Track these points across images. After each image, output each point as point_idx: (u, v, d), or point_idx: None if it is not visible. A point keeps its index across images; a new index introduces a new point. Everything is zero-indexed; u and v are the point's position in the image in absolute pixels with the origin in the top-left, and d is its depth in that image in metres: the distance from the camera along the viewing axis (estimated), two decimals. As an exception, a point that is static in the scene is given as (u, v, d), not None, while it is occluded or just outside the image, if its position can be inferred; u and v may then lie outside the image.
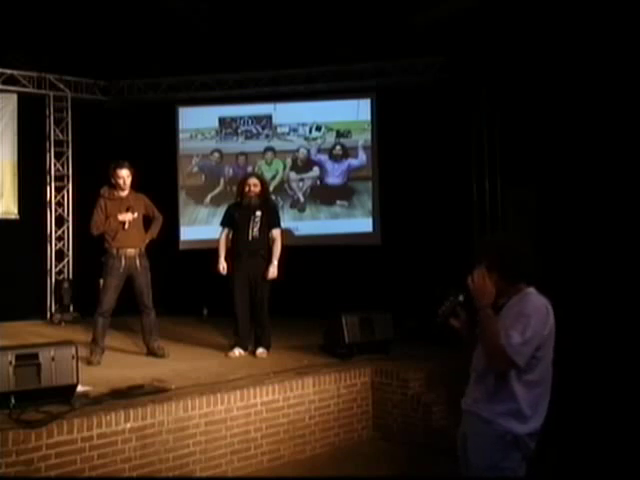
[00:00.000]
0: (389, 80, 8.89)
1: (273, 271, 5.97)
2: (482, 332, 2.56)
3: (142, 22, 7.83)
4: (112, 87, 9.49)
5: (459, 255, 2.75)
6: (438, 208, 8.15)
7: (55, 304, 8.92)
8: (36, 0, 7.35)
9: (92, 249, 6.41)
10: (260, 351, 6.00)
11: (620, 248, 6.40)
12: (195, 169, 9.53)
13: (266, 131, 9.40)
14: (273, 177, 9.25)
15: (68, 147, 9.21)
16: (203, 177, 9.51)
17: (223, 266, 6.03)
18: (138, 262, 5.89)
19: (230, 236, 6.13)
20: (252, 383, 4.74)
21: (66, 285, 8.85)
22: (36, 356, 4.04)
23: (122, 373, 5.12)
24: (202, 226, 9.23)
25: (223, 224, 6.21)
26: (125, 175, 5.87)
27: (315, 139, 9.30)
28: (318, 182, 9.29)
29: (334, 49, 8.37)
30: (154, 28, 7.96)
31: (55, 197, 9.14)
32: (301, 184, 9.30)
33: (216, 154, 9.46)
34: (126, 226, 5.85)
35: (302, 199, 9.30)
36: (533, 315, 2.52)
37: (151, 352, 5.99)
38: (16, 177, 8.78)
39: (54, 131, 9.13)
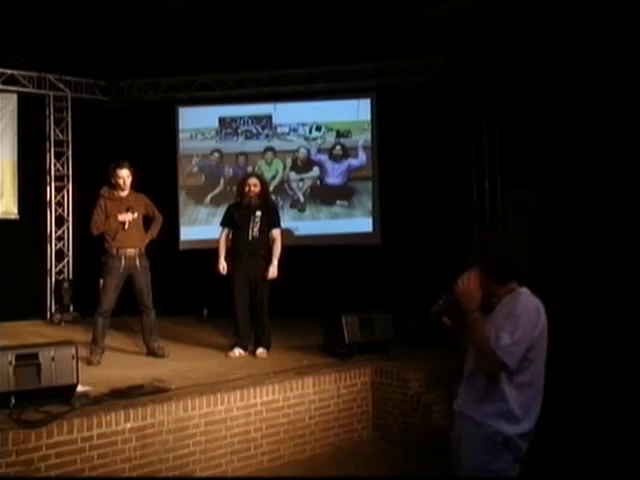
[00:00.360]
0: (389, 80, 8.89)
1: (273, 271, 5.97)
2: (470, 335, 2.55)
3: (142, 22, 7.83)
4: (112, 87, 9.49)
5: (459, 255, 2.73)
6: (438, 208, 8.15)
7: (55, 304, 8.92)
8: (36, 0, 7.35)
9: (92, 249, 6.41)
10: (260, 351, 6.00)
11: (620, 248, 6.40)
12: (195, 169, 9.53)
13: (266, 131, 9.40)
14: (273, 177, 9.25)
15: (68, 147, 9.21)
16: (203, 177, 9.51)
17: (223, 266, 6.03)
18: (138, 262, 5.89)
19: (230, 236, 6.13)
20: (252, 383, 4.74)
21: (66, 285, 8.85)
22: (36, 356, 4.04)
23: (122, 373, 5.12)
24: (202, 226, 9.23)
25: (223, 224, 6.21)
26: (125, 175, 5.87)
27: (315, 139, 9.30)
28: (318, 182, 9.29)
29: (334, 49, 8.37)
30: (154, 28, 7.96)
31: (55, 197, 9.14)
32: (301, 184, 9.30)
33: (216, 154, 9.46)
34: (126, 226, 5.85)
35: (302, 199, 9.30)
36: (522, 316, 2.50)
37: (151, 352, 6.00)
38: (16, 177, 8.78)
39: (54, 131, 9.13)
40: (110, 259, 5.84)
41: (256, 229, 5.99)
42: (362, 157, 9.19)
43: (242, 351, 6.01)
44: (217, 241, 6.17)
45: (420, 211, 8.32)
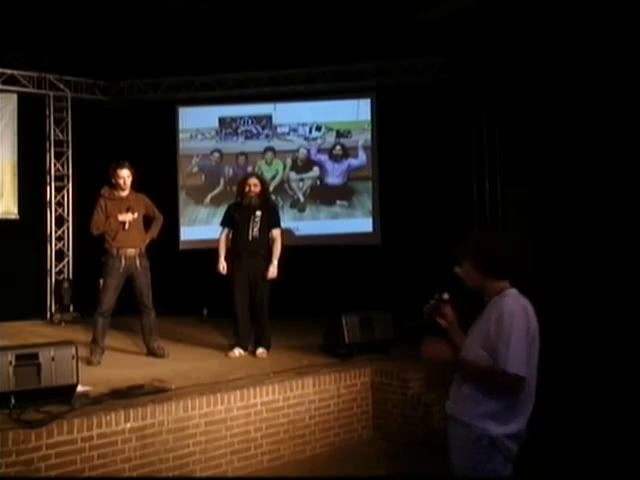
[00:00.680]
0: (389, 80, 8.89)
1: (273, 271, 5.97)
2: (471, 377, 2.56)
3: (142, 22, 7.83)
4: (112, 87, 9.49)
5: (452, 253, 2.73)
6: (438, 208, 8.15)
7: (55, 304, 8.92)
8: (36, 0, 7.35)
9: (92, 249, 6.41)
10: (260, 351, 6.01)
11: (620, 248, 6.40)
12: (195, 169, 9.53)
13: (266, 131, 9.40)
14: (273, 177, 9.25)
15: (68, 147, 9.21)
16: (203, 177, 9.51)
17: (223, 266, 6.03)
18: (138, 262, 5.89)
19: (230, 236, 6.13)
20: (252, 383, 4.74)
21: (66, 285, 8.85)
22: (36, 356, 4.04)
23: (122, 373, 5.12)
24: (202, 226, 9.23)
25: (223, 224, 6.22)
26: (125, 175, 5.87)
27: (315, 139, 9.30)
28: (318, 182, 9.29)
29: (334, 49, 8.37)
30: (154, 28, 7.96)
31: (55, 197, 9.14)
32: (301, 184, 9.30)
33: (216, 154, 9.46)
34: (126, 226, 5.85)
35: (302, 199, 9.30)
36: (513, 321, 2.46)
37: (151, 352, 6.00)
38: (16, 177, 8.78)
39: (54, 131, 9.13)
40: (110, 259, 5.84)
41: (256, 229, 5.99)
42: (362, 157, 9.19)
43: (242, 351, 6.01)
44: (217, 241, 6.17)
45: (420, 211, 8.31)
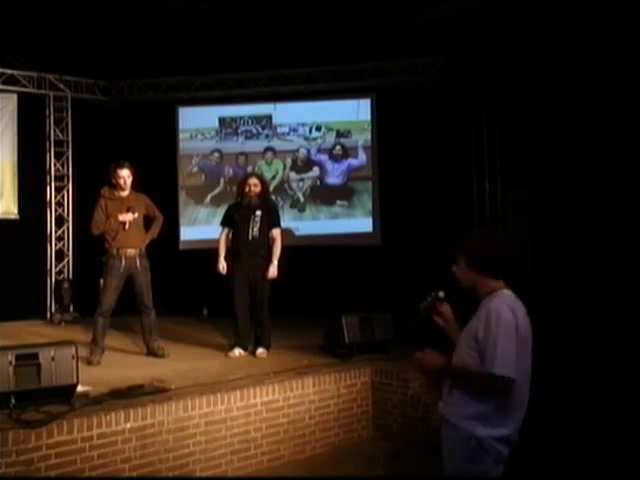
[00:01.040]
0: (389, 80, 8.89)
1: (273, 271, 5.97)
2: (461, 382, 2.57)
3: (142, 22, 7.83)
4: (112, 87, 9.49)
5: (450, 251, 2.74)
6: (438, 208, 8.15)
7: (55, 304, 8.92)
8: (36, 0, 7.35)
9: (92, 249, 6.41)
10: (260, 351, 6.01)
11: (620, 248, 6.40)
12: (195, 169, 9.53)
13: (266, 131, 9.40)
14: (273, 177, 9.25)
15: (68, 147, 9.21)
16: (203, 177, 9.51)
17: (223, 266, 6.03)
18: (138, 262, 5.89)
19: (230, 236, 6.13)
20: (252, 383, 4.74)
21: (66, 285, 8.85)
22: (36, 356, 4.04)
23: (122, 373, 5.12)
24: (202, 226, 9.23)
25: (223, 224, 6.21)
26: (126, 175, 5.87)
27: (315, 139, 9.30)
28: (318, 182, 9.29)
29: (334, 49, 8.37)
30: (154, 28, 7.96)
31: (55, 197, 9.14)
32: (301, 184, 9.30)
33: (216, 154, 9.46)
34: (126, 226, 5.85)
35: (302, 199, 9.30)
36: (500, 322, 2.45)
37: (151, 352, 5.99)
38: (16, 177, 8.78)
39: (54, 131, 9.13)
40: (110, 259, 5.84)
41: (256, 229, 5.99)
42: (362, 157, 9.19)
43: (242, 351, 6.01)
44: (217, 241, 6.17)
45: (420, 211, 8.31)
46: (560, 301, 6.20)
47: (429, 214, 8.21)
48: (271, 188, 8.36)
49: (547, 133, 7.19)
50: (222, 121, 9.47)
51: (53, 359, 4.06)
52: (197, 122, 9.52)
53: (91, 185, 6.55)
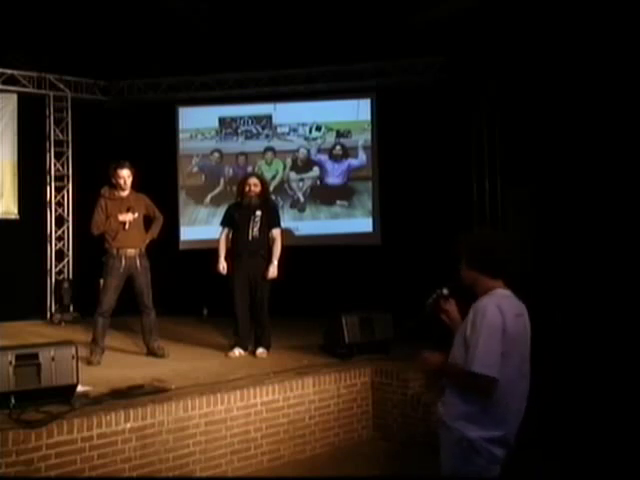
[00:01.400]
0: (389, 80, 8.89)
1: (273, 271, 5.97)
2: (451, 380, 2.61)
3: (142, 22, 7.83)
4: (112, 87, 9.49)
5: (453, 251, 2.74)
6: (438, 208, 8.15)
7: (55, 304, 8.92)
8: (36, 0, 7.35)
9: (92, 249, 6.41)
10: (260, 351, 6.00)
11: (620, 248, 6.40)
12: (195, 169, 9.53)
13: (266, 131, 9.40)
14: (273, 177, 9.25)
15: (68, 147, 9.21)
16: (203, 177, 9.51)
17: (223, 266, 6.03)
18: (138, 262, 5.89)
19: (230, 236, 6.13)
20: (252, 383, 4.74)
21: (66, 285, 8.85)
22: (36, 356, 4.04)
23: (122, 373, 5.12)
24: (202, 226, 9.23)
25: (223, 224, 6.21)
26: (126, 175, 5.87)
27: (315, 139, 9.30)
28: (318, 182, 9.30)
29: (334, 49, 8.37)
30: (154, 28, 7.96)
31: (55, 197, 9.14)
32: (301, 184, 9.30)
33: (216, 154, 9.46)
34: (126, 226, 5.85)
35: (302, 199, 9.30)
36: (483, 322, 2.45)
37: (151, 352, 5.99)
38: (16, 177, 8.78)
39: (54, 131, 9.13)
40: (110, 259, 5.84)
41: (256, 229, 5.99)
42: (362, 157, 9.19)
43: (242, 351, 6.01)
44: (217, 241, 6.17)
45: (420, 211, 8.32)
46: (560, 301, 6.20)
47: (429, 214, 8.22)
48: (271, 188, 8.36)
49: (547, 133, 7.19)
50: (222, 121, 9.47)
51: (53, 359, 4.05)
52: (197, 122, 9.52)
53: (91, 185, 6.55)
